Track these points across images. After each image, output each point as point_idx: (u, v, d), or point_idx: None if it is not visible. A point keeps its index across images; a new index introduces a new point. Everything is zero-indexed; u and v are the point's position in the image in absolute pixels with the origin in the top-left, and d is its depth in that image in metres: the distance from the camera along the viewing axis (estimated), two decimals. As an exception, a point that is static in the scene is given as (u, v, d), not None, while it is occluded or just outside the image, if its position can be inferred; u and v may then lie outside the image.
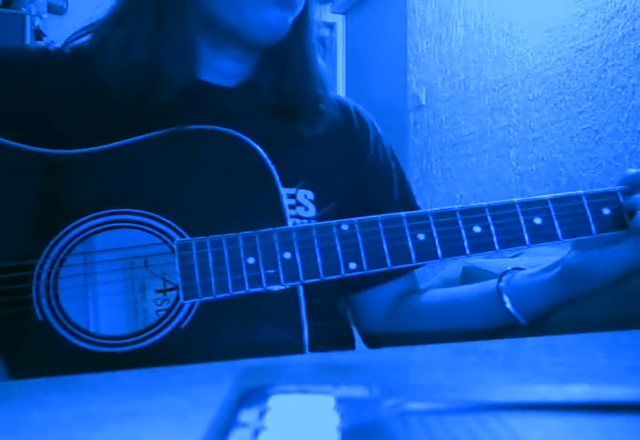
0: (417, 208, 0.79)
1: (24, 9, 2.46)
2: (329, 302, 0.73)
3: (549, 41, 2.05)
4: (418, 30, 2.91)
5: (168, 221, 0.55)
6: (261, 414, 0.26)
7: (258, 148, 0.57)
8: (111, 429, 0.30)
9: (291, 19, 0.66)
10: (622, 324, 0.53)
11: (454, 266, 1.05)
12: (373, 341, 0.77)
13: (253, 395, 0.28)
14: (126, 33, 0.65)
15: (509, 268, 0.65)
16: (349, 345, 0.75)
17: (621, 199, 0.54)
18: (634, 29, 1.72)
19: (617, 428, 0.25)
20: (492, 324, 0.63)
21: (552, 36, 2.04)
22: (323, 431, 0.24)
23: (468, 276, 0.92)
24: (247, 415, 0.26)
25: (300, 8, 0.67)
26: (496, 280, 0.64)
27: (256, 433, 0.24)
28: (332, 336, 0.68)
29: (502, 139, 2.31)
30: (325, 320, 0.65)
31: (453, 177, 2.63)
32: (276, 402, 0.27)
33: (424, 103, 2.85)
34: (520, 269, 0.65)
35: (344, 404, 0.27)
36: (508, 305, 0.61)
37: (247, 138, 0.57)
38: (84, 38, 0.70)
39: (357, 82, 3.70)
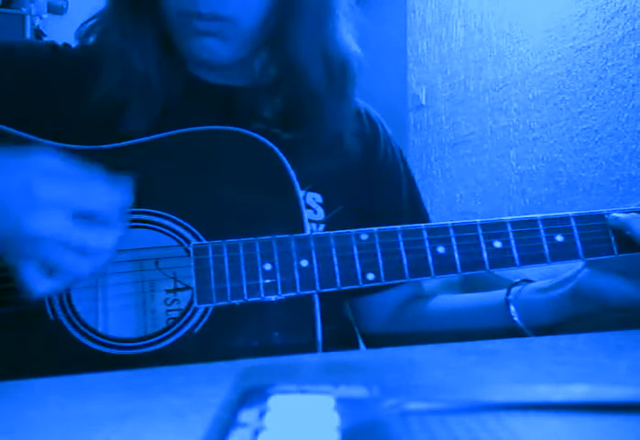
0: (425, 211, 0.78)
1: (24, 9, 2.46)
2: (337, 306, 0.72)
3: (549, 41, 2.05)
4: (418, 30, 2.91)
5: (184, 222, 0.54)
6: (261, 414, 0.26)
7: (277, 150, 0.56)
8: (111, 429, 0.30)
9: (226, 44, 0.61)
10: (622, 324, 0.53)
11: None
12: (374, 342, 0.77)
13: (253, 395, 0.28)
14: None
15: (517, 280, 0.65)
16: (354, 347, 0.74)
17: None
18: (634, 29, 1.72)
19: (617, 428, 0.25)
20: (498, 333, 0.63)
21: (552, 36, 2.04)
22: (323, 431, 0.24)
23: (469, 277, 0.91)
24: (247, 415, 0.26)
25: (236, 30, 0.61)
26: (504, 292, 0.64)
27: (256, 433, 0.24)
28: (339, 339, 0.67)
29: (502, 139, 2.31)
30: (333, 323, 0.64)
31: (453, 177, 2.62)
32: (276, 402, 0.27)
33: (424, 103, 2.84)
34: (529, 280, 0.64)
35: (344, 404, 0.27)
36: (516, 318, 0.61)
37: (266, 141, 0.56)
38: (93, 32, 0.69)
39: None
